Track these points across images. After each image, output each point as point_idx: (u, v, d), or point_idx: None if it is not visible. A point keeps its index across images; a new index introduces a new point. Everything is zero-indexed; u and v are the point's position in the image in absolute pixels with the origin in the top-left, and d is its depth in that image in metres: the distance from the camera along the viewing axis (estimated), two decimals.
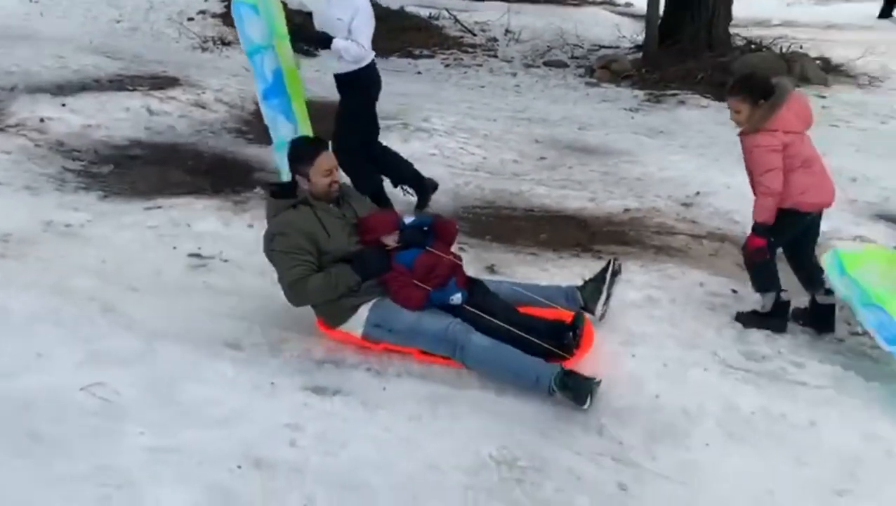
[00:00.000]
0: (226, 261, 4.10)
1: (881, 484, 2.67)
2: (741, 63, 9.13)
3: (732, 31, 10.93)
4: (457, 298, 3.25)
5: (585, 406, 2.90)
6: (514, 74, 9.97)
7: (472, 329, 3.14)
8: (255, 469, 2.54)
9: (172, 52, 9.21)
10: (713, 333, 3.69)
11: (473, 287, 3.35)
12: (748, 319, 3.79)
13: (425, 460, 2.67)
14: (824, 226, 4.99)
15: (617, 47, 11.14)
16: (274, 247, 3.27)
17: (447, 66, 10.21)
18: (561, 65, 10.34)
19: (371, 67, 4.69)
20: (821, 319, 3.81)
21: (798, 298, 3.86)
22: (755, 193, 3.65)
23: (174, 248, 4.22)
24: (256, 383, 3.03)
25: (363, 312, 3.26)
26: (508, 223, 5.12)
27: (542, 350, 3.11)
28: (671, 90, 8.92)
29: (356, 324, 3.28)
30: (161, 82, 7.38)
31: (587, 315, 3.35)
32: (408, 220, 3.45)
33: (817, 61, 10.27)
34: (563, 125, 7.61)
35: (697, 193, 5.62)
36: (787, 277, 3.85)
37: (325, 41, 4.47)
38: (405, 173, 5.05)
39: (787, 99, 3.56)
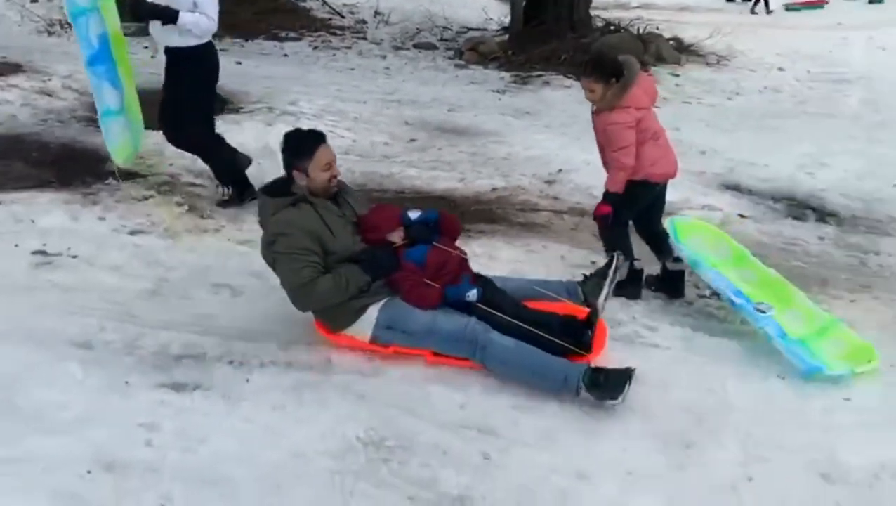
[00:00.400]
0: (74, 257, 3.87)
1: (723, 434, 2.86)
2: (601, 44, 9.49)
3: (593, 12, 11.34)
4: (472, 294, 3.09)
5: (619, 400, 2.83)
6: (384, 57, 9.93)
7: (490, 328, 3.01)
8: (107, 472, 2.42)
9: (14, 36, 8.57)
10: None
11: (483, 283, 3.21)
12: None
13: (290, 448, 2.63)
14: (675, 196, 5.33)
15: (485, 29, 11.33)
16: (277, 249, 3.04)
17: (315, 48, 10.03)
18: (430, 47, 10.39)
19: (212, 42, 4.51)
20: (671, 284, 4.03)
21: (650, 266, 4.08)
22: (608, 168, 3.81)
23: (16, 245, 3.93)
24: (109, 383, 2.88)
25: (372, 313, 3.07)
26: None
27: (560, 348, 3.00)
28: (536, 71, 9.16)
29: (364, 327, 3.09)
30: (1, 69, 6.85)
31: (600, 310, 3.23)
32: (413, 215, 3.25)
33: (671, 42, 10.85)
34: (432, 107, 7.66)
35: (560, 171, 5.81)
36: (640, 246, 4.05)
37: (170, 15, 4.23)
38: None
39: (636, 77, 3.73)
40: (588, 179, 5.59)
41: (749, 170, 6.20)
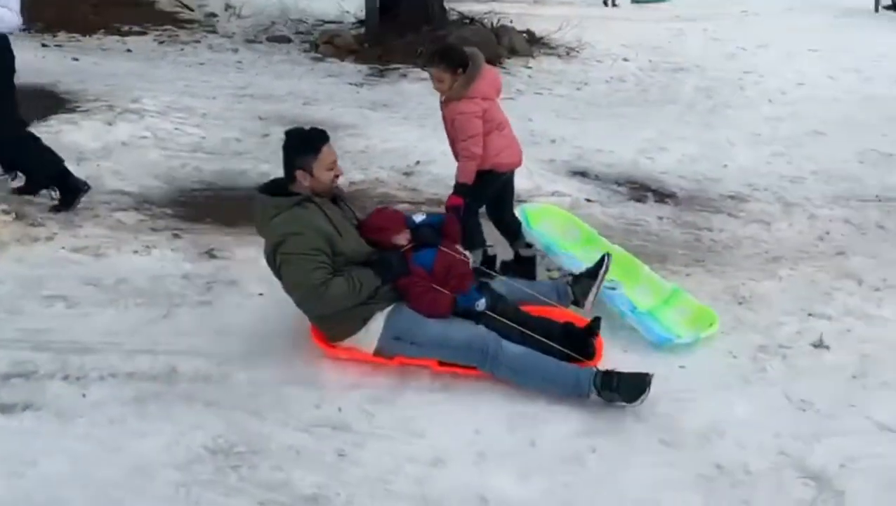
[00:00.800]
0: None
1: (569, 409, 2.97)
2: (456, 37, 9.61)
3: (448, 5, 11.47)
4: (481, 303, 3.04)
5: (639, 402, 2.83)
6: (236, 51, 9.60)
7: (500, 337, 2.96)
8: None
9: None
10: None
11: (486, 290, 3.15)
12: None
13: (130, 463, 2.50)
14: (526, 184, 5.51)
15: (341, 22, 11.19)
16: (287, 249, 2.84)
17: (161, 43, 9.55)
18: (285, 40, 10.15)
19: (6, 36, 4.20)
20: (524, 269, 4.16)
21: (504, 252, 4.19)
22: (458, 157, 3.87)
23: None
24: None
25: (377, 323, 2.95)
26: (230, 205, 4.93)
27: (564, 355, 2.99)
28: (394, 64, 9.15)
29: (369, 337, 2.96)
30: None
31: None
32: (417, 218, 3.18)
33: (523, 34, 11.14)
34: (287, 101, 7.48)
35: (418, 162, 5.84)
36: (492, 232, 4.15)
37: None
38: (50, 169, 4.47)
39: (482, 69, 3.81)
40: (446, 169, 5.58)
41: (596, 156, 6.49)
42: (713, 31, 12.79)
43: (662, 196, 5.81)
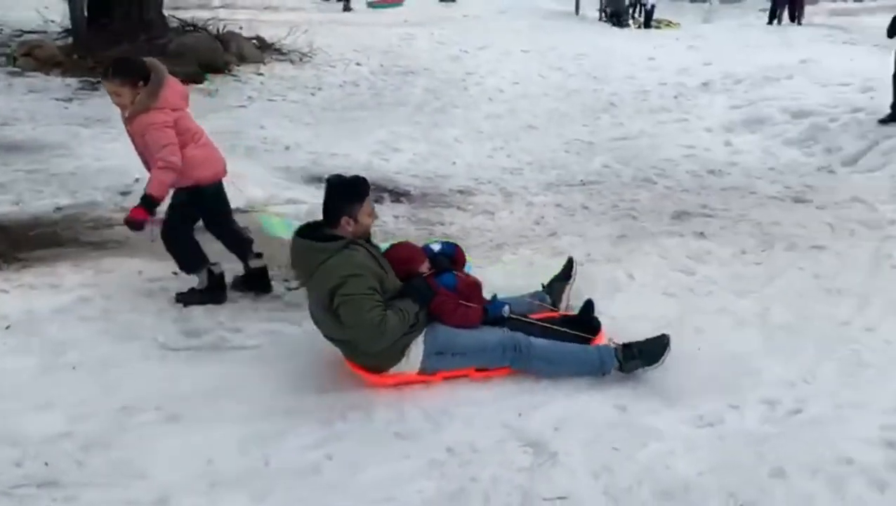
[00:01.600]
0: None
1: (304, 422, 2.94)
2: (177, 45, 9.14)
3: (169, 12, 10.86)
4: (506, 309, 3.32)
5: (660, 362, 3.15)
6: None
7: (526, 334, 3.20)
8: None
9: None
10: (153, 320, 3.62)
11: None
12: (188, 298, 3.82)
13: None
14: (260, 194, 5.38)
15: (45, 32, 10.12)
16: (347, 291, 2.94)
17: None
18: None
19: None
20: (257, 282, 4.04)
21: (236, 267, 4.03)
22: (151, 169, 3.62)
23: None
24: None
25: (416, 349, 3.11)
26: None
27: (577, 339, 3.28)
28: None
29: (412, 361, 3.12)
30: None
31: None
32: (436, 247, 3.45)
33: (253, 41, 10.90)
34: None
35: (137, 180, 5.41)
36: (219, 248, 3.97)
37: None
38: None
39: (165, 78, 3.61)
40: None
41: (331, 161, 6.51)
42: (439, 35, 13.49)
43: (398, 195, 5.99)
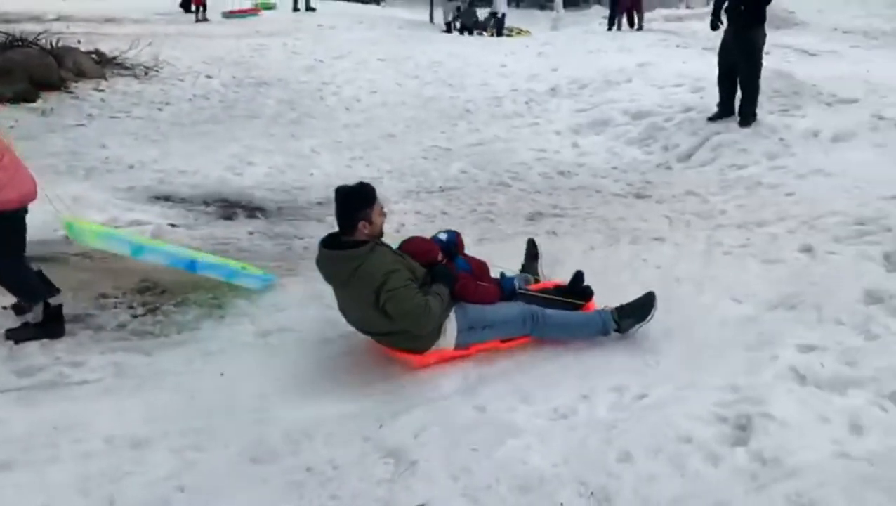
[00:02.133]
0: None
1: (155, 453, 2.79)
2: (3, 61, 8.46)
3: None
4: (518, 283, 3.68)
5: (650, 317, 3.53)
6: None
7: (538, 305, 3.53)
8: None
9: None
10: None
11: None
12: (20, 334, 3.54)
13: None
14: (100, 216, 5.08)
15: None
16: (391, 286, 3.18)
17: None
18: None
19: None
20: (52, 322, 3.63)
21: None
22: None
23: None
24: None
25: (450, 326, 3.36)
26: None
27: (574, 306, 3.65)
28: None
29: (448, 337, 3.37)
30: None
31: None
32: (442, 236, 3.74)
33: (92, 55, 10.28)
34: None
35: None
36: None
37: None
38: None
39: None
40: None
41: (180, 178, 6.25)
42: (293, 45, 13.28)
43: (252, 210, 5.83)
